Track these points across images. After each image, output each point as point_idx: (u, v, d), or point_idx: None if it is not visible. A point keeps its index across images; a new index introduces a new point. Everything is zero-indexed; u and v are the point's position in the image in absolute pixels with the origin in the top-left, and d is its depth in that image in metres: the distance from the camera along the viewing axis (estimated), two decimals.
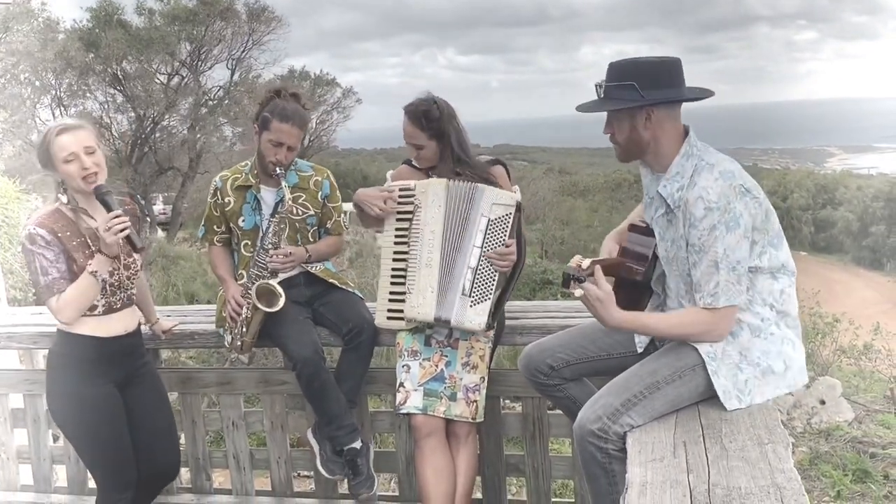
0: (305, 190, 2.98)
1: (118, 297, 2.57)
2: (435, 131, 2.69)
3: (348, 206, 3.10)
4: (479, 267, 2.59)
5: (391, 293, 2.73)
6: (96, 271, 2.41)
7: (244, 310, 2.86)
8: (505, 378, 2.95)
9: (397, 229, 2.72)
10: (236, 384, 3.23)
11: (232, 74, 22.62)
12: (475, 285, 2.59)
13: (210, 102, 22.30)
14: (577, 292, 1.95)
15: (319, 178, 3.03)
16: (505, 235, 2.59)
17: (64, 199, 2.48)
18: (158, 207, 25.59)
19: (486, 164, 2.79)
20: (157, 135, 21.53)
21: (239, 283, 2.97)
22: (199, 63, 21.81)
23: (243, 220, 2.96)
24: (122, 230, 2.37)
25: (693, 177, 2.04)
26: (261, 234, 2.93)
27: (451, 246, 2.64)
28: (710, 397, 2.06)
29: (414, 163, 2.86)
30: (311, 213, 2.99)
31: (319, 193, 3.01)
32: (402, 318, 2.70)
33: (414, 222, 2.67)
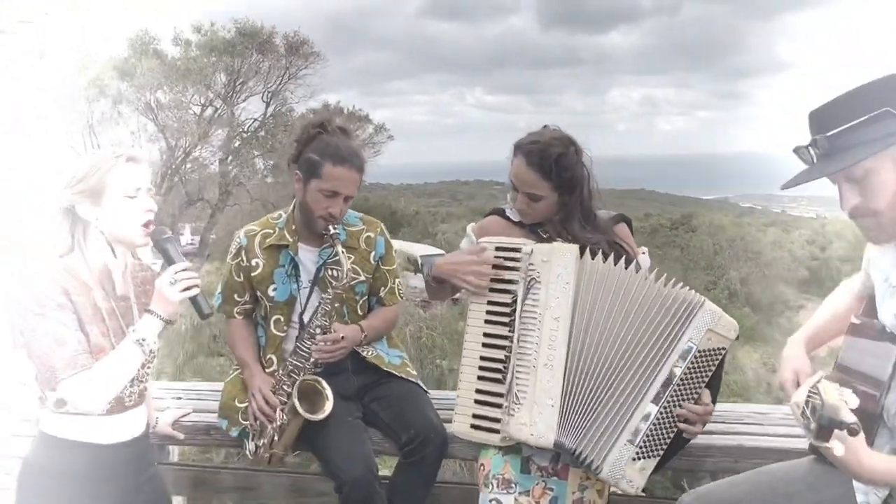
0: (355, 249, 2.32)
1: (130, 391, 1.89)
2: (564, 182, 2.00)
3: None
4: (664, 409, 1.85)
5: (479, 392, 2.01)
6: (144, 339, 1.78)
7: (278, 413, 2.16)
8: None
9: (491, 303, 2.01)
10: (261, 490, 2.56)
11: (267, 107, 22.38)
12: (651, 433, 1.84)
13: (244, 134, 22.04)
14: (839, 450, 1.23)
15: (372, 235, 2.37)
16: (706, 376, 1.86)
17: (100, 245, 1.83)
18: (186, 238, 25.36)
19: (611, 220, 2.10)
20: (188, 165, 21.26)
21: (268, 370, 2.29)
22: (234, 95, 21.59)
23: (275, 289, 2.30)
24: (189, 287, 1.78)
25: None
26: (299, 307, 2.27)
27: (596, 351, 1.89)
28: None
29: (509, 214, 2.16)
30: (362, 278, 2.33)
31: (372, 254, 2.35)
32: (495, 432, 1.97)
33: (529, 300, 1.93)
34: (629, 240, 2.11)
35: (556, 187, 2.01)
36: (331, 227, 2.18)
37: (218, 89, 21.07)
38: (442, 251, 19.65)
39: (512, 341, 1.95)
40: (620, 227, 2.13)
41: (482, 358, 2.01)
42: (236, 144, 21.85)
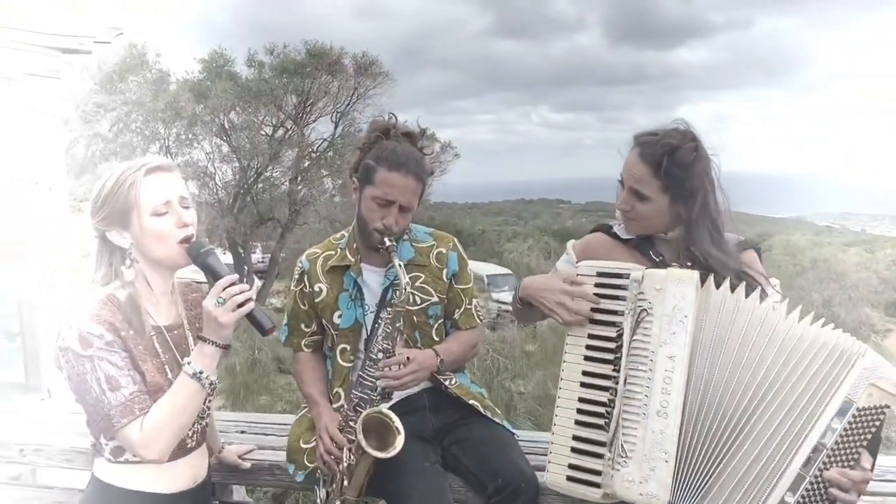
0: (425, 267, 2.10)
1: (192, 430, 1.70)
2: (675, 183, 1.73)
3: None
4: (816, 479, 1.54)
5: (577, 440, 1.74)
6: (201, 372, 1.57)
7: (345, 453, 1.94)
8: None
9: (592, 337, 1.74)
10: None
11: (335, 128, 22.64)
12: None
13: (313, 155, 22.34)
14: None
15: (444, 251, 2.14)
16: (865, 439, 1.55)
17: (130, 275, 1.62)
18: (257, 256, 25.90)
19: (737, 246, 1.81)
20: (260, 185, 21.63)
21: (335, 405, 2.08)
22: (305, 116, 21.91)
23: (340, 316, 2.09)
24: (243, 303, 1.55)
25: None
26: (365, 335, 2.04)
27: (722, 400, 1.61)
28: None
29: (616, 230, 1.90)
30: (434, 299, 2.10)
31: (444, 272, 2.12)
32: (596, 486, 1.71)
33: (639, 335, 1.66)
34: (755, 266, 1.81)
35: (666, 188, 1.73)
36: (386, 240, 1.95)
37: (289, 110, 21.44)
38: (509, 271, 19.33)
39: (617, 382, 1.68)
40: (748, 255, 1.83)
41: (580, 399, 1.75)
42: (305, 165, 22.15)
